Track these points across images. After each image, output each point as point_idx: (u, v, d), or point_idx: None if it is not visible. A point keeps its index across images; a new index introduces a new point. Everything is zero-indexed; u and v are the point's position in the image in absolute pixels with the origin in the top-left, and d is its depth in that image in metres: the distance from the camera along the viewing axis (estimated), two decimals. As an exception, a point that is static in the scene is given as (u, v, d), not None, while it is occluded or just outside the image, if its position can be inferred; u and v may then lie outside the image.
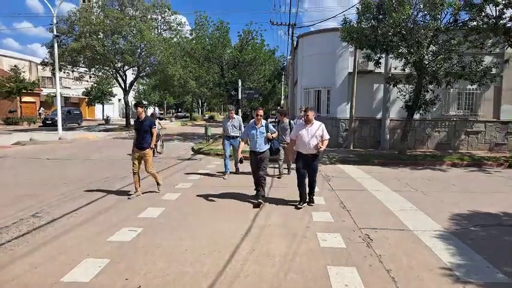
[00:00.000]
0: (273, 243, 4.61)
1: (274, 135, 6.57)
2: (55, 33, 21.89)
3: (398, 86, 13.63)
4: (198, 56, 19.75)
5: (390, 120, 15.79)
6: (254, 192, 6.81)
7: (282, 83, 34.39)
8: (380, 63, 13.11)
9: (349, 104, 15.90)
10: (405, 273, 3.83)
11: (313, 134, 6.05)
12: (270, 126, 6.58)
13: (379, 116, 16.00)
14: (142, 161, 6.94)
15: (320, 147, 6.00)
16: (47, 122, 29.79)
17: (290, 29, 19.32)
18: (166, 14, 27.28)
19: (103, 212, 5.91)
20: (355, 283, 3.59)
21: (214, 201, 6.74)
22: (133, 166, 6.89)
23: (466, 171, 11.07)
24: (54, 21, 21.64)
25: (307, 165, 6.16)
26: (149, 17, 26.66)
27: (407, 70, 12.98)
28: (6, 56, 47.08)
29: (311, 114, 6.19)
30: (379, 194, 7.45)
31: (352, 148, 15.92)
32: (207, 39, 19.17)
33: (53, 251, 4.23)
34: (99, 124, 36.72)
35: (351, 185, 8.56)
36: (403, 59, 12.20)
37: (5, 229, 4.94)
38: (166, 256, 4.14)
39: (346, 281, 3.62)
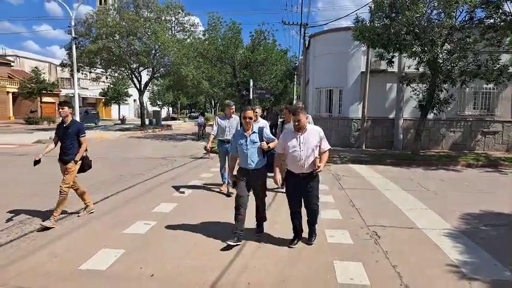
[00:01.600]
0: (279, 237, 4.73)
1: (272, 145, 4.56)
2: (73, 35, 22.47)
3: (411, 85, 13.53)
4: (211, 56, 19.99)
5: (403, 120, 15.68)
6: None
7: (295, 82, 34.42)
8: (393, 62, 13.04)
9: (362, 104, 15.85)
10: (411, 269, 3.89)
11: (308, 146, 4.19)
12: (266, 131, 4.67)
13: (392, 115, 15.90)
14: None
15: (318, 166, 4.14)
16: (66, 121, 30.53)
17: (302, 29, 19.38)
18: (179, 15, 27.69)
19: (119, 206, 6.14)
20: (361, 277, 3.68)
21: (225, 198, 6.89)
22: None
23: (481, 171, 10.93)
24: (73, 24, 22.22)
25: (301, 190, 4.33)
26: (163, 18, 27.12)
27: (421, 69, 12.88)
28: (27, 58, 48.54)
29: (303, 118, 4.19)
30: (389, 193, 7.47)
31: (364, 148, 15.87)
32: (219, 40, 19.40)
33: (72, 242, 4.46)
34: (115, 124, 37.47)
35: (361, 184, 8.59)
36: (417, 58, 12.12)
37: (28, 220, 5.21)
38: (178, 248, 4.30)
39: (351, 275, 3.71)
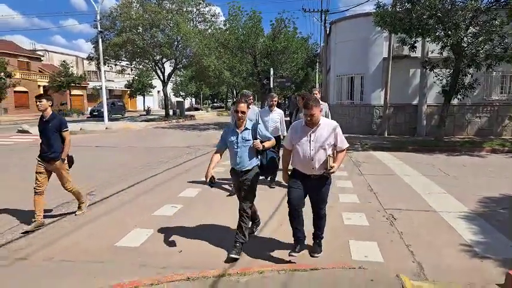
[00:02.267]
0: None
1: (268, 144, 3.95)
2: (99, 29, 23.19)
3: (435, 70, 13.30)
4: (232, 46, 20.18)
5: (427, 106, 15.46)
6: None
7: (317, 70, 34.14)
8: (415, 47, 12.83)
9: (384, 90, 15.72)
10: (424, 248, 4.06)
11: (321, 144, 3.57)
12: (261, 127, 4.01)
13: (415, 102, 15.70)
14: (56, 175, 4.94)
15: (331, 166, 3.50)
16: (94, 113, 31.70)
17: (323, 16, 19.23)
18: (200, 6, 27.95)
19: (148, 191, 6.56)
20: (374, 255, 3.89)
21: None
22: (35, 182, 4.74)
23: (506, 157, 10.74)
24: (98, 18, 22.92)
25: (309, 191, 3.75)
26: (184, 9, 27.43)
27: (444, 54, 12.63)
28: (56, 52, 50.25)
29: (317, 112, 3.52)
30: (408, 179, 7.56)
31: (386, 135, 15.78)
32: (240, 30, 19.53)
33: (107, 222, 4.89)
34: (140, 115, 38.52)
35: (381, 170, 8.69)
36: (440, 42, 11.90)
37: (66, 204, 5.69)
38: (203, 228, 4.65)
39: (366, 253, 3.93)
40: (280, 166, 4.03)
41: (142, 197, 6.17)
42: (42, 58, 45.28)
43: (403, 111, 15.95)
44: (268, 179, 6.70)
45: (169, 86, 40.85)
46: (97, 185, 7.01)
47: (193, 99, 62.95)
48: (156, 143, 14.37)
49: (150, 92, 49.44)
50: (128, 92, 50.12)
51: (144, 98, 48.89)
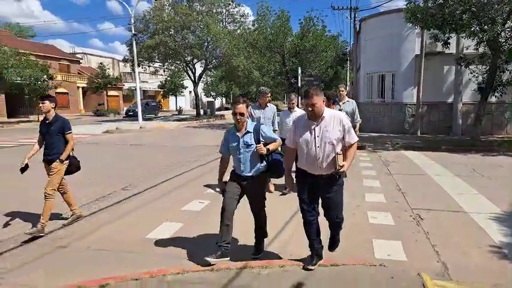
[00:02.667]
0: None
1: (273, 146, 3.64)
2: (133, 32, 24.08)
3: (470, 67, 12.79)
4: (260, 46, 20.33)
5: (463, 104, 14.87)
6: None
7: (348, 68, 33.62)
8: (449, 43, 12.40)
9: (416, 88, 15.29)
10: (450, 249, 4.01)
11: (327, 139, 3.16)
12: (264, 128, 3.70)
13: (450, 100, 15.15)
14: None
15: (341, 165, 3.10)
16: (129, 113, 32.91)
17: (352, 13, 18.95)
18: (230, 7, 28.31)
19: (178, 187, 6.83)
20: (398, 254, 3.89)
21: (272, 180, 7.29)
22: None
23: (548, 157, 10.19)
24: (132, 21, 23.80)
25: (318, 195, 3.36)
26: (214, 11, 27.90)
27: (480, 49, 12.11)
28: (93, 55, 52.53)
29: (319, 102, 3.11)
30: (439, 179, 7.38)
31: (419, 134, 15.34)
32: (268, 29, 19.64)
33: (139, 216, 5.18)
34: (172, 114, 39.58)
35: (411, 169, 8.52)
36: (476, 38, 11.44)
37: (102, 199, 6.05)
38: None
39: (389, 252, 3.94)
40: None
41: (173, 193, 6.43)
42: (81, 61, 47.49)
43: (437, 109, 15.45)
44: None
45: (200, 86, 41.65)
46: (131, 180, 7.36)
47: (224, 99, 63.75)
48: (187, 142, 14.78)
49: (181, 92, 50.61)
50: (161, 92, 51.55)
51: (176, 98, 50.10)
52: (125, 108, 39.07)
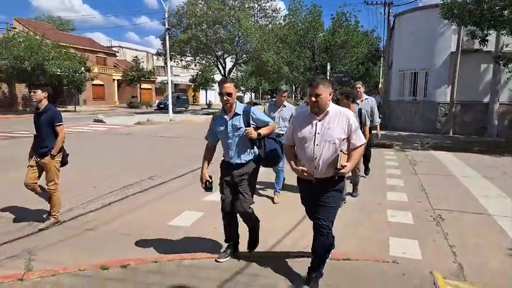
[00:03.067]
0: (341, 212, 5.00)
1: (265, 131, 3.32)
2: (166, 26, 24.67)
3: (509, 65, 12.18)
4: (290, 41, 20.27)
5: (499, 104, 14.20)
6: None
7: (381, 64, 32.79)
8: (487, 40, 11.88)
9: (450, 87, 14.75)
10: (469, 250, 3.95)
11: (329, 137, 2.83)
12: (255, 110, 3.39)
13: (485, 99, 14.51)
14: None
15: (343, 165, 2.74)
16: (161, 106, 33.81)
17: (386, 8, 18.48)
18: (262, 2, 28.37)
19: (201, 179, 7.04)
20: (413, 252, 3.88)
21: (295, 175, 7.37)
22: (26, 176, 4.40)
23: None
24: (166, 16, 24.38)
25: (314, 200, 2.98)
26: (246, 5, 28.05)
27: (521, 47, 11.54)
28: (129, 49, 54.25)
29: (325, 93, 2.80)
30: (466, 180, 7.17)
31: (451, 134, 14.83)
32: (299, 24, 19.53)
33: (163, 204, 5.44)
34: (202, 108, 40.28)
35: (437, 170, 8.32)
36: (516, 35, 10.91)
37: (130, 186, 6.37)
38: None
39: (404, 250, 3.93)
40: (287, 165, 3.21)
41: (197, 183, 6.52)
42: (117, 54, 49.18)
43: (471, 109, 14.85)
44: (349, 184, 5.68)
45: (230, 80, 42.08)
46: (158, 170, 7.66)
47: (253, 94, 63.99)
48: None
49: (212, 86, 51.35)
50: (192, 86, 52.49)
51: (206, 92, 50.86)
52: (157, 101, 40.14)
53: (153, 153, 10.28)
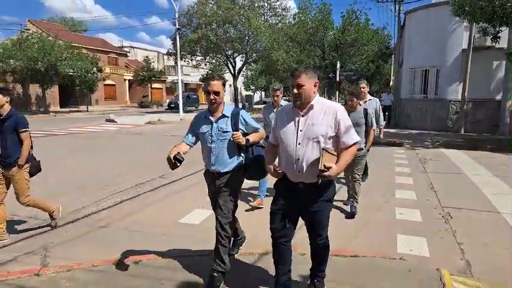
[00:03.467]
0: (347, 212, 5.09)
1: (254, 138, 3.01)
2: (177, 26, 24.88)
3: (522, 62, 12.02)
4: (300, 39, 20.24)
5: (512, 101, 13.99)
6: None
7: (392, 62, 32.46)
8: (499, 37, 11.73)
9: (462, 84, 14.58)
10: (477, 248, 3.95)
11: (312, 134, 2.48)
12: (245, 114, 3.05)
13: (498, 97, 14.32)
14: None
15: (326, 167, 2.33)
16: (171, 105, 34.12)
17: (396, 6, 18.33)
18: (272, 1, 28.37)
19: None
20: (420, 249, 3.90)
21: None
22: None
23: None
24: (176, 16, 24.58)
25: (299, 211, 2.66)
26: (256, 4, 28.10)
27: (534, 44, 11.36)
28: (140, 49, 54.74)
29: (309, 85, 2.49)
30: (476, 178, 7.12)
31: (463, 132, 14.66)
32: (309, 23, 19.49)
33: (173, 202, 5.55)
34: (212, 107, 40.35)
35: (447, 168, 8.27)
36: (529, 32, 10.74)
37: (141, 185, 6.50)
38: (258, 213, 5.02)
39: (411, 247, 3.95)
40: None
41: (206, 182, 6.74)
42: (128, 54, 49.70)
43: (483, 107, 14.67)
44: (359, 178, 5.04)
45: (240, 80, 42.15)
46: (168, 169, 7.77)
47: (263, 93, 64.00)
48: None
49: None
50: (202, 85, 52.79)
51: (216, 91, 51.04)
52: (167, 101, 40.49)
53: (164, 152, 10.29)
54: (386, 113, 15.41)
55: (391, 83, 30.24)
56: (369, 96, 6.18)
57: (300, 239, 3.25)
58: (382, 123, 6.72)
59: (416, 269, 3.29)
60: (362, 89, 6.01)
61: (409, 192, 6.12)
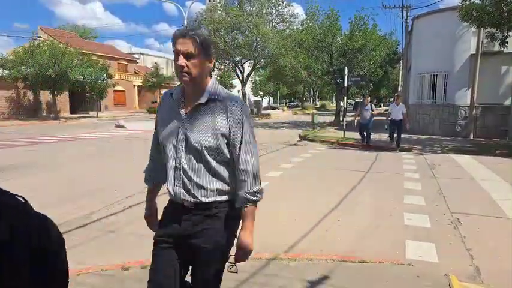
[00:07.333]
0: (358, 216, 5.10)
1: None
2: (185, 33, 25.10)
3: (532, 67, 11.92)
4: (308, 45, 20.32)
5: (523, 106, 13.86)
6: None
7: (401, 67, 32.40)
8: (507, 42, 11.66)
9: (470, 89, 14.49)
10: (486, 254, 3.93)
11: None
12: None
13: (507, 102, 14.19)
14: None
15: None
16: (179, 111, 34.30)
17: (404, 12, 18.32)
18: (280, 7, 28.56)
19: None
20: (429, 255, 3.88)
21: (310, 178, 7.43)
22: None
23: None
24: (185, 23, 24.85)
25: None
26: (264, 11, 28.31)
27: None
28: (149, 55, 55.44)
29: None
30: (486, 184, 7.06)
31: (472, 138, 14.54)
32: (317, 29, 19.58)
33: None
34: (220, 113, 40.53)
35: (456, 173, 8.20)
36: (539, 36, 10.66)
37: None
38: (266, 219, 5.02)
39: (420, 253, 3.94)
40: None
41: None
42: (137, 60, 50.29)
43: (492, 112, 14.53)
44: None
45: (248, 85, 42.38)
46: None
47: (271, 99, 64.17)
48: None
49: (230, 91, 51.80)
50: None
51: (224, 97, 51.31)
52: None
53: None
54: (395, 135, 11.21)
55: (399, 88, 30.15)
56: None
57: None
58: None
59: (425, 275, 3.27)
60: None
61: (418, 197, 6.09)
